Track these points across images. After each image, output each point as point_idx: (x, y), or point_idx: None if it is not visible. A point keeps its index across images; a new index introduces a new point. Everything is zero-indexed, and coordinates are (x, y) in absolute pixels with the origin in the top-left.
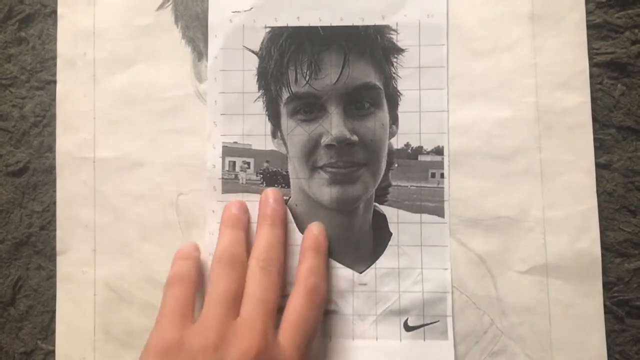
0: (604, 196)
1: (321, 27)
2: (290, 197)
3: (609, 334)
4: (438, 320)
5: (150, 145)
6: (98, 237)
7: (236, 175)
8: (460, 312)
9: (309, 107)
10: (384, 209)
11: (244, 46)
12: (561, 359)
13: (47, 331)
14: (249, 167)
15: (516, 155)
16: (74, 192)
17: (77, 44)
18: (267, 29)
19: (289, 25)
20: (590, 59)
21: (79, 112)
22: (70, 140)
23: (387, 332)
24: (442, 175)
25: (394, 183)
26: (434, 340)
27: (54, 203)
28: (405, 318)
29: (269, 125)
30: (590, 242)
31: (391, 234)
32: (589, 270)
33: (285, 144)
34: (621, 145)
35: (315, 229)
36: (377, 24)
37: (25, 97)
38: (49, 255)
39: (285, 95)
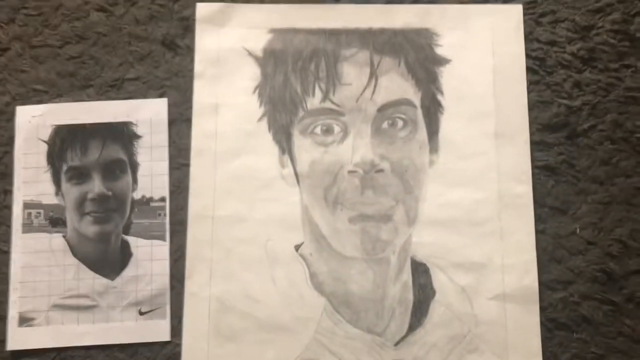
0: (540, 251)
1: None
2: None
3: (543, 340)
4: (160, 307)
5: (250, 207)
6: (213, 267)
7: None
8: (449, 323)
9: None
10: (128, 238)
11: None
12: (513, 355)
13: (177, 330)
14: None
15: (485, 223)
16: (199, 237)
17: (205, 140)
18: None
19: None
20: (532, 163)
21: (205, 185)
22: (198, 203)
23: (128, 316)
24: (164, 215)
25: (134, 221)
26: (158, 320)
27: (185, 244)
28: (139, 307)
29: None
30: (531, 279)
31: (132, 254)
32: (531, 298)
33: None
34: (552, 218)
35: None
36: (123, 120)
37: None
38: (180, 278)
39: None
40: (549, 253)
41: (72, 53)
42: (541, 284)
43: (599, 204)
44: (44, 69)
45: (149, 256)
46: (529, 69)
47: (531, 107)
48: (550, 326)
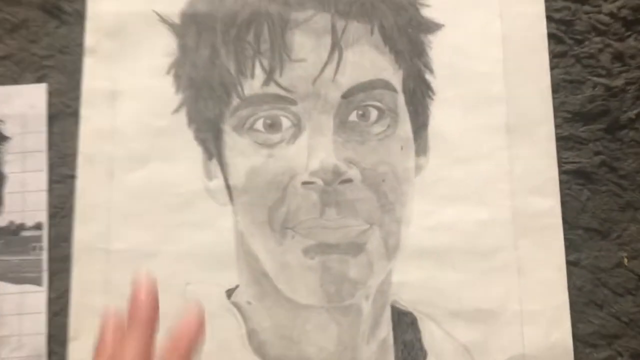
0: (574, 291)
1: None
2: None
3: None
4: None
5: (163, 236)
6: None
7: None
8: None
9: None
10: None
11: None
12: None
13: None
14: None
15: (494, 253)
16: (89, 280)
17: (97, 142)
18: None
19: None
20: (559, 167)
21: (96, 205)
22: (87, 231)
23: None
24: (41, 248)
25: None
26: None
27: (69, 290)
28: None
29: None
30: (563, 334)
31: None
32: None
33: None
34: (588, 244)
35: None
36: None
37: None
38: (62, 341)
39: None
40: (586, 294)
41: None
42: (576, 339)
43: None
44: None
45: (18, 309)
46: (551, 37)
47: (555, 89)
48: None
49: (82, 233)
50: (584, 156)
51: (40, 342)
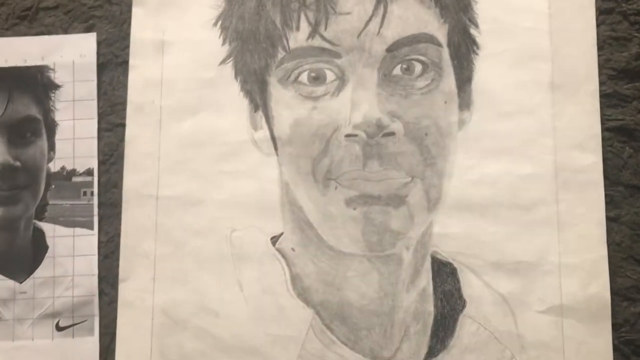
0: (613, 246)
1: None
2: None
3: None
4: (86, 320)
5: (210, 184)
6: (158, 266)
7: None
8: (484, 346)
9: None
10: (42, 224)
11: None
12: None
13: (107, 352)
14: None
15: (536, 207)
16: (138, 225)
17: (146, 91)
18: None
19: None
20: (602, 124)
21: (145, 153)
22: (137, 178)
23: (42, 333)
24: (92, 194)
25: (51, 202)
26: (82, 337)
27: (118, 235)
28: (57, 320)
29: None
30: (600, 287)
31: (48, 246)
32: (599, 312)
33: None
34: (629, 201)
35: None
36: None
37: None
38: (112, 282)
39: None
40: (625, 249)
41: None
42: (614, 292)
43: None
44: None
45: (71, 250)
46: None
47: (601, 45)
48: (627, 351)
49: (132, 180)
50: (627, 113)
51: (92, 283)
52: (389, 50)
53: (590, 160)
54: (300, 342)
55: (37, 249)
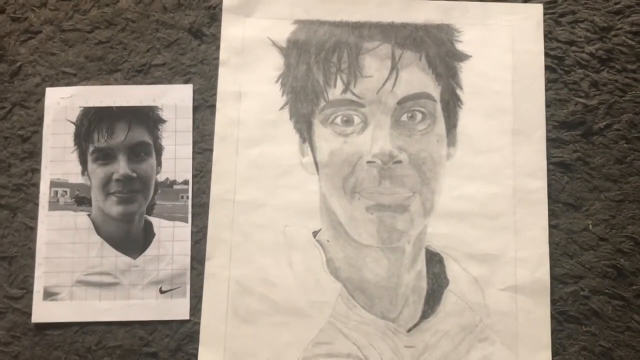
0: (553, 245)
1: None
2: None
3: (553, 332)
4: (181, 286)
5: (270, 194)
6: (233, 250)
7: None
8: (461, 312)
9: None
10: (151, 218)
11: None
12: (523, 346)
13: (195, 309)
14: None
15: (499, 217)
16: (220, 220)
17: (227, 127)
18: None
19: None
20: (548, 159)
21: (226, 170)
22: (220, 187)
23: (149, 294)
24: (187, 197)
25: (158, 202)
26: (177, 299)
27: (206, 226)
28: (160, 286)
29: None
30: (543, 273)
31: (155, 234)
32: (542, 291)
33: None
34: (565, 214)
35: None
36: (149, 105)
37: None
38: (200, 260)
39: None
40: (561, 248)
41: (101, 38)
42: (553, 277)
43: (612, 201)
44: (74, 52)
45: (171, 237)
46: (547, 67)
47: (548, 104)
48: (560, 319)
49: (216, 188)
50: (565, 153)
51: (186, 260)
52: (399, 103)
53: (538, 185)
54: (332, 305)
55: (147, 235)
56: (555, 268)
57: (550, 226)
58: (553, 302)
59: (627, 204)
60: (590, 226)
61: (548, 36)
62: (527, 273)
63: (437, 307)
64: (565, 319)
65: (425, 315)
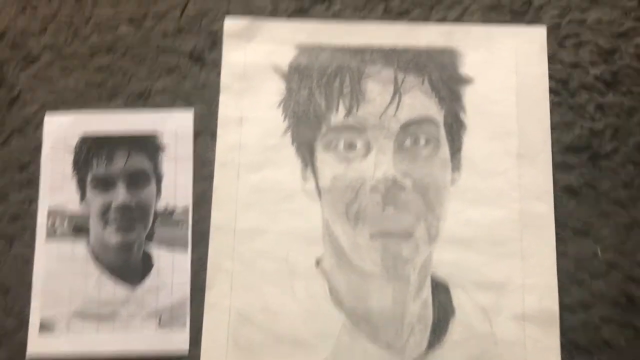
0: (561, 273)
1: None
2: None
3: None
4: (180, 317)
5: (272, 220)
6: (234, 279)
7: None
8: (468, 342)
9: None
10: (151, 247)
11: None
12: None
13: (196, 340)
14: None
15: (506, 242)
16: (220, 249)
17: (228, 153)
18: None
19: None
20: (554, 184)
21: (227, 197)
22: (220, 215)
23: (148, 325)
24: (187, 226)
25: (157, 231)
26: (177, 329)
27: (206, 255)
28: (159, 316)
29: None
30: (552, 301)
31: (154, 263)
32: (550, 320)
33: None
34: (573, 240)
35: None
36: (149, 130)
37: None
38: (200, 290)
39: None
40: (570, 275)
41: (101, 64)
42: (562, 306)
43: (620, 226)
44: (73, 78)
45: (171, 266)
46: (551, 91)
47: (553, 128)
48: (571, 348)
49: (217, 216)
50: (572, 177)
51: (185, 290)
52: (402, 127)
53: (545, 209)
54: (335, 336)
55: (146, 264)
56: (565, 296)
57: (558, 253)
58: (563, 331)
59: (636, 229)
60: (599, 253)
61: (552, 59)
62: (535, 301)
63: (443, 337)
64: (576, 348)
65: (431, 345)
